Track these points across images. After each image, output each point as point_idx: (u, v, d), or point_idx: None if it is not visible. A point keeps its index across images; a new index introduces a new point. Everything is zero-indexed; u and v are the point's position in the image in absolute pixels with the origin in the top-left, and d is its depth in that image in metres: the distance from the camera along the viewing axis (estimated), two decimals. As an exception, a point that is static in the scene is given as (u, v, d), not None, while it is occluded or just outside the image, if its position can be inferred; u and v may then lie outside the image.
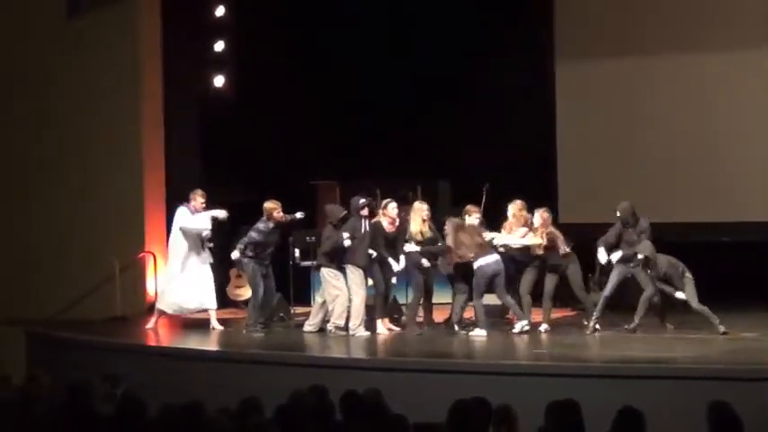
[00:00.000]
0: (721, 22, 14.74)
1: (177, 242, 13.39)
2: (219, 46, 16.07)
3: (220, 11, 16.07)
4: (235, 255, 13.00)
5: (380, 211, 12.88)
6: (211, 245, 13.57)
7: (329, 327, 12.62)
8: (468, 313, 12.95)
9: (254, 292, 13.01)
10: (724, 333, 11.66)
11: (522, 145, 15.58)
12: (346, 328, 12.58)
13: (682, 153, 14.98)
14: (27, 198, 15.72)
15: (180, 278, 13.36)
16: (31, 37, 15.66)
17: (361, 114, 16.03)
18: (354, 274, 12.59)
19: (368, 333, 12.59)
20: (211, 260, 13.56)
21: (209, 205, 13.40)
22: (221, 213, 13.32)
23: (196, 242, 13.36)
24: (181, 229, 13.31)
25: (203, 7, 16.08)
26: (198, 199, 13.33)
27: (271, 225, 12.96)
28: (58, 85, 15.56)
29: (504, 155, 15.51)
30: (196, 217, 13.31)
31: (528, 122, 15.67)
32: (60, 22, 15.56)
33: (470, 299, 12.59)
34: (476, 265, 12.31)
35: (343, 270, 12.63)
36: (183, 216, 13.36)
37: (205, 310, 13.58)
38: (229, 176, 15.64)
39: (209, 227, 13.31)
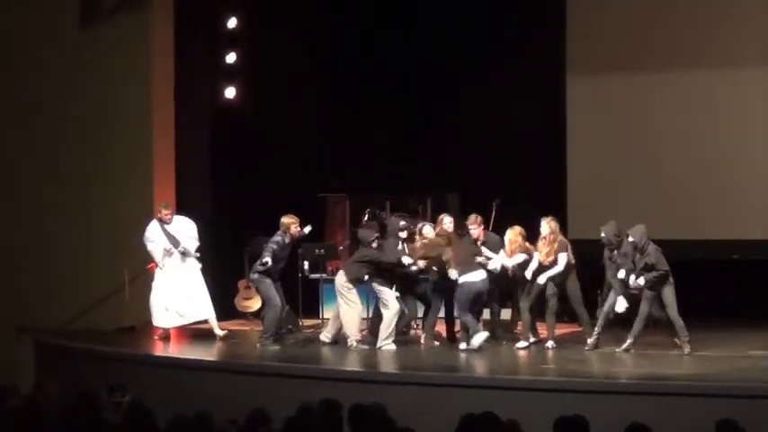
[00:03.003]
0: (734, 38, 14.72)
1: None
2: (231, 57, 16.10)
3: (233, 22, 16.11)
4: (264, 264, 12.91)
5: (417, 237, 12.87)
6: (198, 254, 13.64)
7: (349, 342, 12.64)
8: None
9: (271, 306, 12.93)
10: (688, 353, 11.64)
11: (531, 159, 15.58)
12: (368, 341, 12.64)
13: (693, 169, 14.95)
14: (39, 208, 15.73)
15: (168, 291, 13.42)
16: (44, 49, 15.69)
17: (370, 127, 16.03)
18: (384, 292, 12.60)
19: (395, 347, 12.56)
20: (200, 265, 13.64)
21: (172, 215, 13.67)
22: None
23: (178, 252, 13.47)
24: (148, 248, 13.58)
25: (216, 19, 16.11)
26: (163, 211, 13.62)
27: (287, 240, 12.97)
28: (71, 97, 15.57)
29: (513, 169, 15.52)
30: (157, 235, 13.51)
31: (538, 137, 15.65)
32: (73, 34, 15.60)
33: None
34: (461, 280, 12.22)
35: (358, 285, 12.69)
36: (147, 233, 13.61)
37: (205, 321, 13.60)
38: (239, 188, 15.66)
39: (159, 260, 13.47)
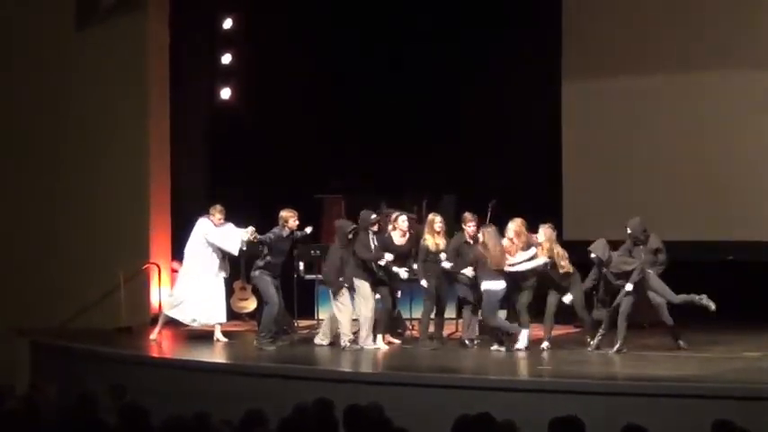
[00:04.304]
0: (730, 42, 14.75)
1: (199, 252, 13.38)
2: (227, 58, 16.11)
3: (228, 23, 16.12)
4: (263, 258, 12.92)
5: (391, 225, 12.94)
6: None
7: (342, 343, 12.65)
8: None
9: (269, 304, 12.91)
10: (683, 348, 11.81)
11: (527, 161, 15.61)
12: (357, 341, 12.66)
13: (688, 171, 14.98)
14: (36, 209, 15.73)
15: (198, 290, 13.37)
16: (42, 49, 15.69)
17: (366, 128, 16.05)
18: (363, 286, 12.63)
19: (376, 345, 12.62)
20: (227, 274, 13.60)
21: (227, 220, 13.44)
22: (247, 235, 13.27)
23: (218, 254, 13.39)
24: (209, 241, 13.30)
25: (211, 20, 16.12)
26: (216, 215, 13.36)
27: (285, 233, 12.96)
28: (69, 98, 15.60)
29: (509, 170, 15.54)
30: (219, 230, 13.34)
31: (534, 138, 15.70)
32: (70, 34, 15.61)
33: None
34: (485, 287, 12.20)
35: (348, 285, 12.69)
36: (208, 228, 13.35)
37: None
38: (235, 189, 15.66)
39: (237, 250, 13.33)
